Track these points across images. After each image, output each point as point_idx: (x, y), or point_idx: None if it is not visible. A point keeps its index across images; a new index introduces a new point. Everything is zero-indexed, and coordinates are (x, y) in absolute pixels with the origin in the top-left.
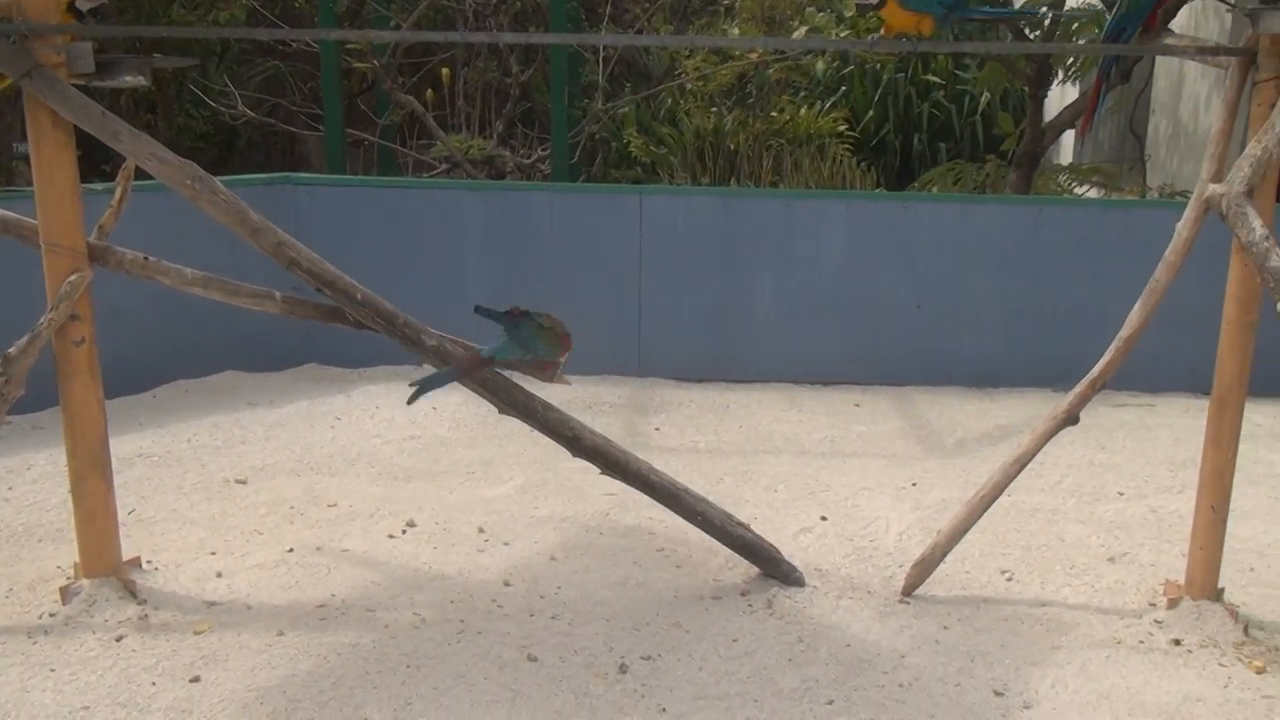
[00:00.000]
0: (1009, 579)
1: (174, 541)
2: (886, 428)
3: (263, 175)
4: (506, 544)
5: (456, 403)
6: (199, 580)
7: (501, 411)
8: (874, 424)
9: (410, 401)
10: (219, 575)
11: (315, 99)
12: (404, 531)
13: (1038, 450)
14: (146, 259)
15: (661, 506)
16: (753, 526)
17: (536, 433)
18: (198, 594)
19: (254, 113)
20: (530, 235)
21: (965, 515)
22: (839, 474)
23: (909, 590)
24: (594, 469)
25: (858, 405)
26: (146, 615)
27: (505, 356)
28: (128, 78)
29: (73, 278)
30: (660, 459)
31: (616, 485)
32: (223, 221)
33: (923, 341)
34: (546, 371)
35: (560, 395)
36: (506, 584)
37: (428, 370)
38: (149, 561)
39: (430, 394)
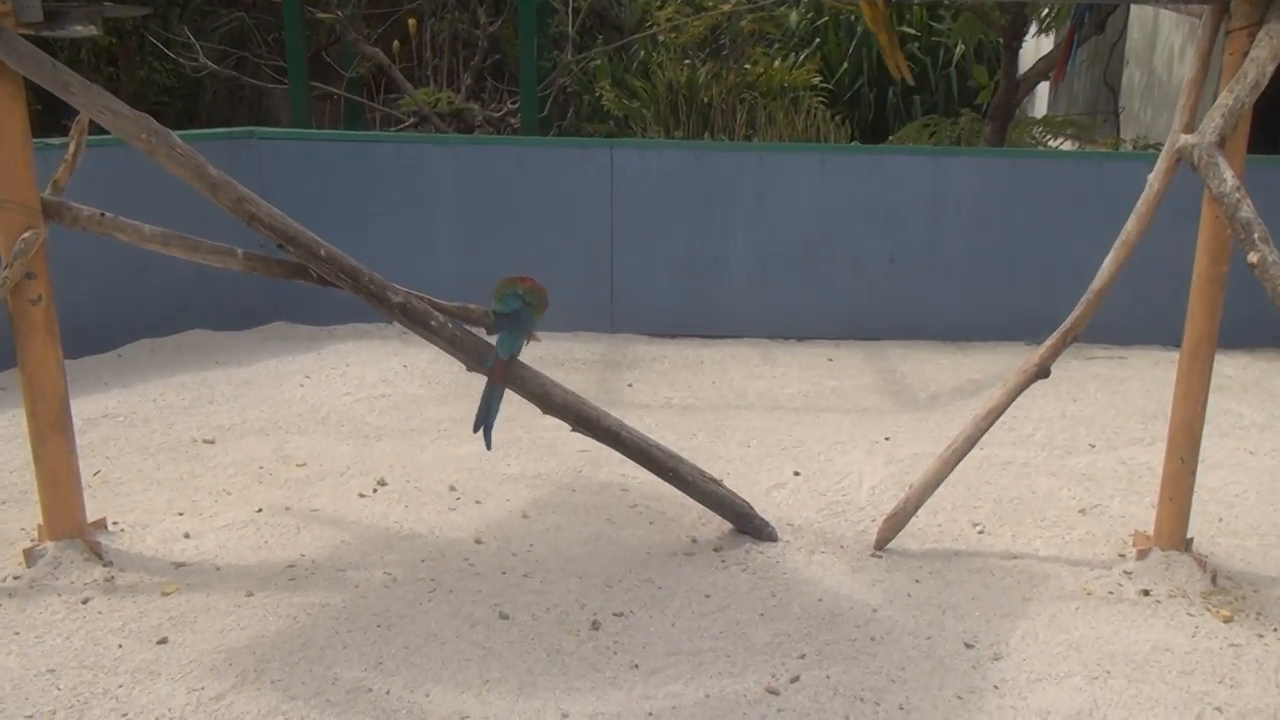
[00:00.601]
0: (980, 532)
1: (140, 503)
2: (859, 382)
3: (225, 130)
4: (478, 502)
5: (427, 360)
6: (166, 541)
7: (470, 369)
8: (847, 379)
9: (489, 446)
10: (186, 536)
11: (281, 52)
12: (375, 490)
13: (1009, 403)
14: (103, 215)
15: (634, 463)
16: (726, 482)
17: (507, 390)
18: (165, 555)
19: (218, 66)
20: (500, 190)
21: (937, 469)
22: (812, 429)
23: (881, 544)
24: (565, 426)
25: (831, 360)
26: (113, 577)
27: (516, 345)
28: (78, 27)
29: (26, 235)
30: (633, 415)
31: (589, 442)
32: (180, 176)
33: (896, 295)
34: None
35: (532, 352)
36: (478, 542)
37: (399, 330)
38: (115, 523)
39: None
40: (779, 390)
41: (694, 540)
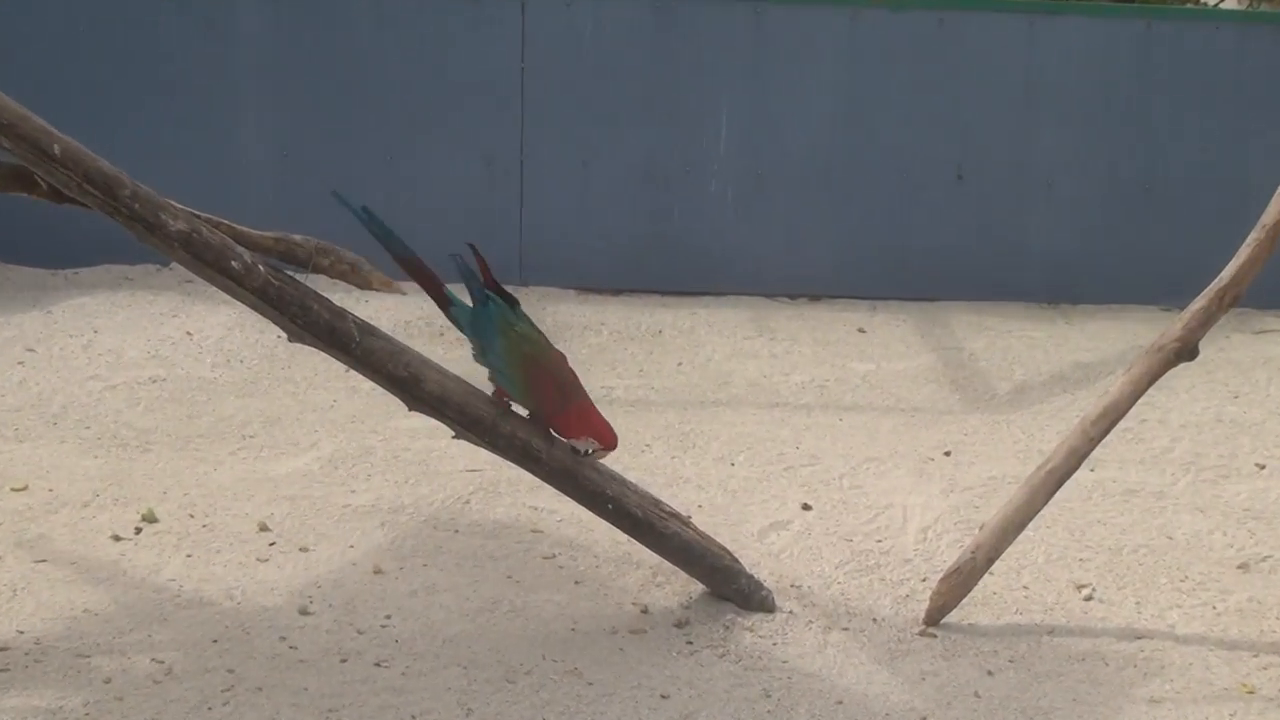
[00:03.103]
0: (1088, 598)
1: None
2: (906, 366)
3: None
4: (304, 549)
5: (222, 325)
6: None
7: (294, 339)
8: (887, 360)
9: None
10: None
11: None
12: (138, 530)
13: (1135, 400)
14: None
15: (551, 489)
16: (695, 520)
17: (352, 373)
18: None
19: None
20: (341, 60)
21: (1023, 502)
22: (831, 438)
23: (935, 618)
24: (444, 430)
25: (862, 331)
26: None
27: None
28: None
29: None
30: None
31: (481, 456)
32: None
33: (965, 233)
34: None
35: (397, 314)
36: (304, 612)
37: (180, 277)
38: None
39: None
40: (781, 377)
41: (644, 610)
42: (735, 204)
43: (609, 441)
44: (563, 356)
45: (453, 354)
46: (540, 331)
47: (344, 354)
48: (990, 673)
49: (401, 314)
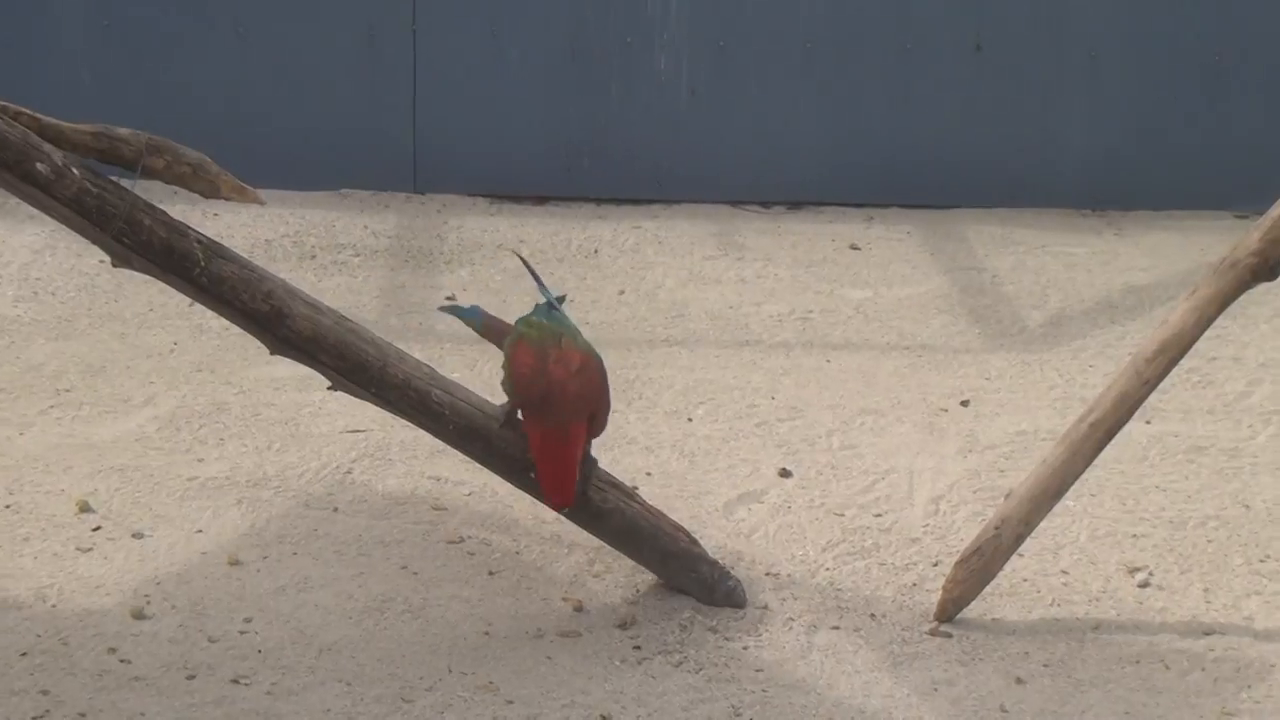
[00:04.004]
0: (1144, 585)
1: None
2: (911, 292)
3: None
4: (139, 536)
5: (27, 249)
6: None
7: (120, 264)
8: (886, 285)
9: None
10: None
11: None
12: None
13: (1201, 332)
14: None
15: (455, 453)
16: (642, 492)
17: (198, 308)
18: None
19: None
20: None
21: (1061, 464)
22: (816, 385)
23: (950, 612)
24: (318, 379)
25: (855, 248)
26: None
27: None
28: None
29: None
30: (456, 356)
31: (367, 413)
32: None
33: (985, 120)
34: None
35: (248, 229)
36: (140, 616)
37: None
38: None
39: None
40: (751, 309)
41: (579, 608)
42: (690, 85)
43: (550, 498)
44: (591, 362)
45: (328, 282)
46: (569, 326)
47: (186, 282)
48: (1020, 681)
49: (261, 230)
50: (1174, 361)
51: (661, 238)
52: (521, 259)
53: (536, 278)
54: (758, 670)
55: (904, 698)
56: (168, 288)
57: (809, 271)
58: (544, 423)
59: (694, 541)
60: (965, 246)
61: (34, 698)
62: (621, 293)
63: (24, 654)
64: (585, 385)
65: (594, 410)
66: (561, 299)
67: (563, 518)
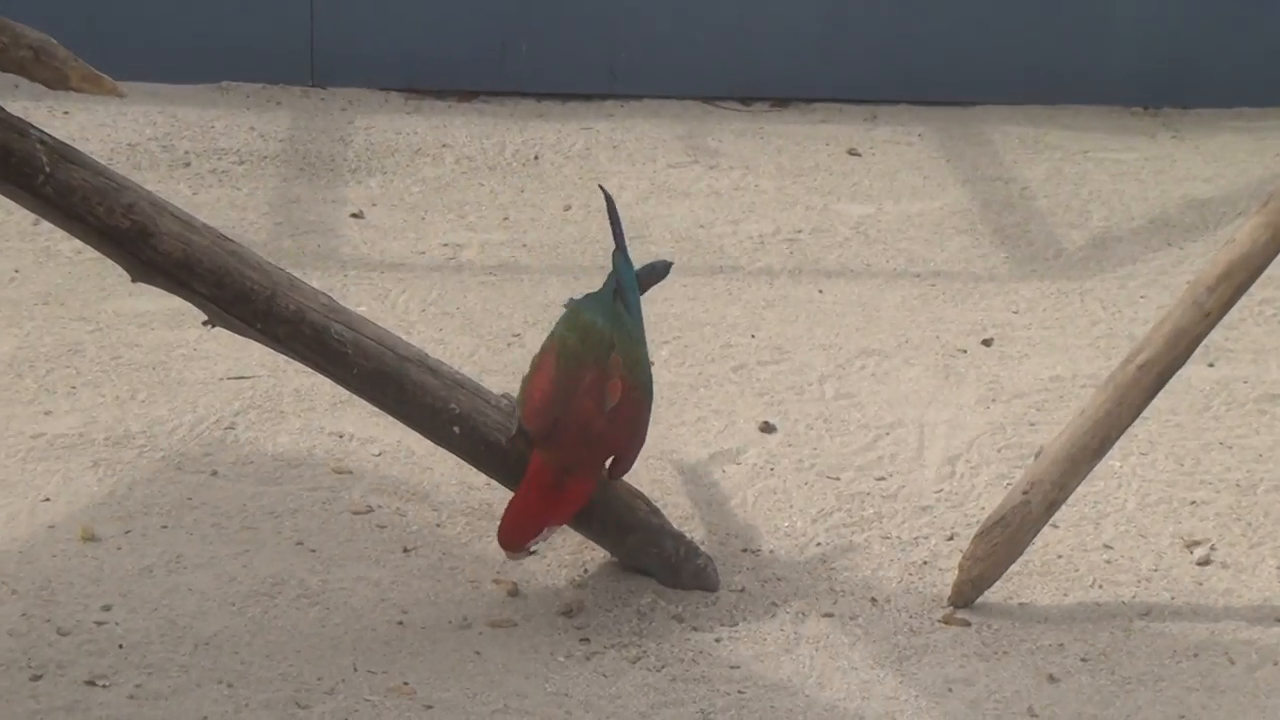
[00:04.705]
0: (1204, 561)
1: None
2: (923, 208)
3: None
4: None
5: None
6: None
7: None
8: (893, 199)
9: None
10: None
11: None
12: None
13: (1275, 254)
14: None
15: (362, 404)
16: None
17: (44, 226)
18: None
19: None
20: None
21: (1104, 415)
22: (807, 321)
23: (968, 596)
24: (192, 313)
25: (855, 153)
26: None
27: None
28: None
29: None
30: (363, 285)
31: (252, 355)
32: None
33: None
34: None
35: (107, 131)
36: None
37: None
38: None
39: None
40: (728, 228)
41: (513, 592)
42: None
43: (500, 530)
44: (634, 396)
45: (205, 195)
46: (628, 328)
47: (27, 194)
48: (1053, 679)
49: (122, 132)
50: (1241, 289)
51: (617, 141)
52: (607, 198)
53: (618, 232)
54: (733, 667)
55: (911, 700)
56: (6, 202)
57: (798, 183)
58: (547, 459)
59: (655, 511)
60: (989, 152)
61: None
62: (567, 208)
63: None
64: (615, 427)
65: (620, 454)
66: (664, 267)
67: (494, 483)
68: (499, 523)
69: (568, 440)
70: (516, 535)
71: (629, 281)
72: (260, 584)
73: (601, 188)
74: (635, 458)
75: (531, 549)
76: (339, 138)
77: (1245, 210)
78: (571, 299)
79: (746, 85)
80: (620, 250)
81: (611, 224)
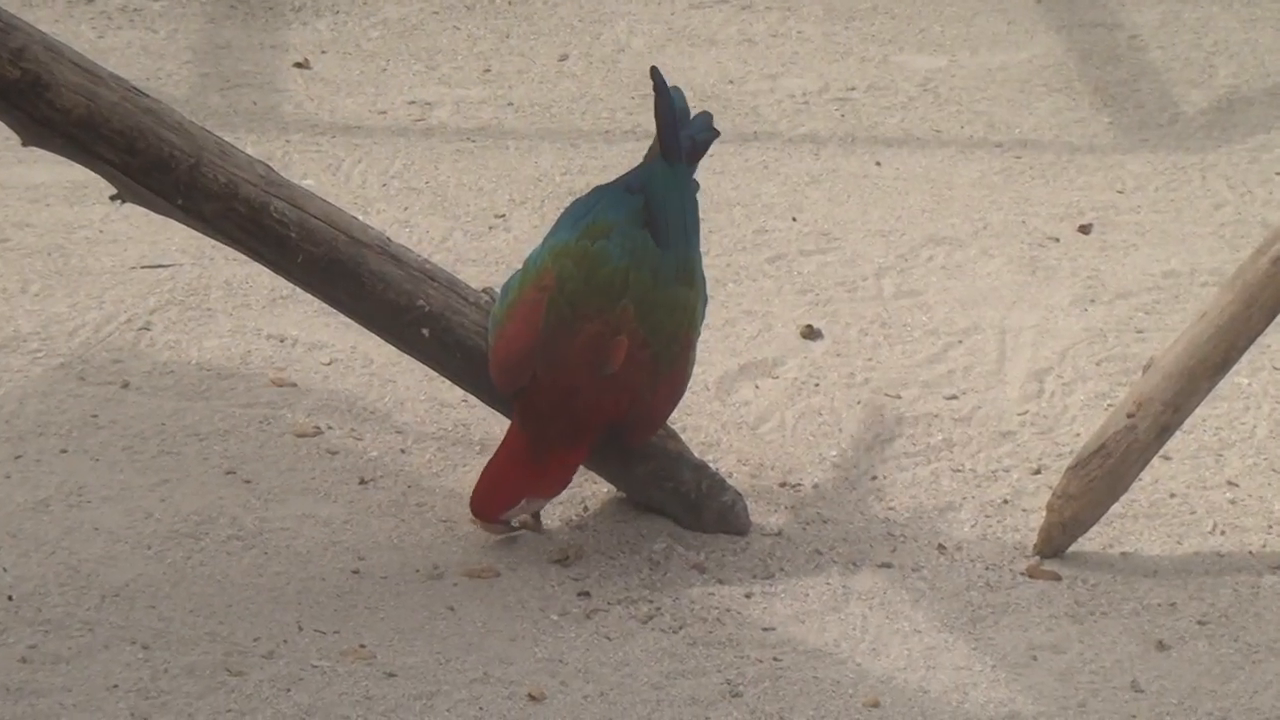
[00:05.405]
0: None
1: None
2: (1006, 60)
3: None
4: None
5: None
6: None
7: None
8: (969, 48)
9: None
10: None
11: None
12: None
13: None
14: None
15: (307, 299)
16: None
17: None
18: None
19: None
20: None
21: (1228, 322)
22: (860, 200)
23: (1059, 543)
24: (98, 185)
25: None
26: None
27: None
28: None
29: None
30: (309, 152)
31: (172, 238)
32: None
33: None
34: None
35: None
36: None
37: None
38: None
39: None
40: (763, 84)
41: (508, 536)
42: None
43: (473, 497)
44: (640, 358)
45: (115, 38)
46: (644, 279)
47: None
48: (1163, 645)
49: None
50: None
51: None
52: (658, 83)
53: (671, 137)
54: (766, 629)
55: (987, 671)
56: None
57: (850, 28)
58: (523, 423)
59: (671, 435)
60: None
61: None
62: (564, 58)
63: None
64: (611, 395)
65: (624, 419)
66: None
67: (471, 399)
68: (473, 494)
69: (544, 407)
70: (488, 504)
71: (673, 199)
72: (183, 522)
73: (654, 71)
74: (662, 421)
75: (511, 523)
76: None
77: None
78: (578, 201)
79: None
80: (669, 153)
81: (660, 124)
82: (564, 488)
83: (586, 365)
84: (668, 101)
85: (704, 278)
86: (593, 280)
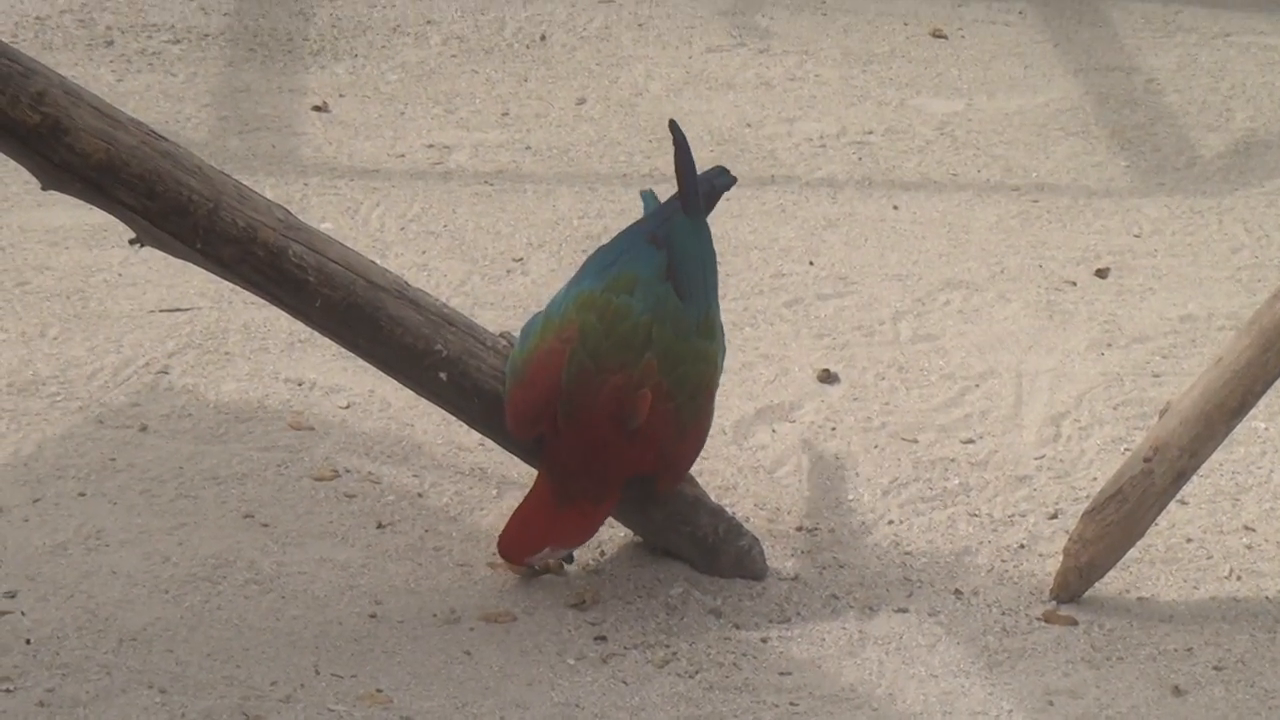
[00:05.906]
0: None
1: None
2: (1024, 104)
3: None
4: None
5: None
6: None
7: None
8: (987, 92)
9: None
10: None
11: None
12: None
13: None
14: None
15: (325, 343)
16: None
17: None
18: None
19: None
20: None
21: (1245, 365)
22: (878, 244)
23: (1075, 588)
24: (117, 229)
25: (940, 36)
26: None
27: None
28: None
29: None
30: (328, 196)
31: (191, 281)
32: None
33: None
34: None
35: (10, 6)
36: None
37: None
38: None
39: None
40: (781, 127)
41: (527, 577)
42: None
43: (500, 540)
44: (664, 410)
45: (133, 82)
46: (666, 332)
47: None
48: (1179, 691)
49: (29, 3)
50: None
51: (643, 18)
52: (677, 138)
53: (690, 186)
54: (783, 674)
55: (1003, 716)
56: None
57: (868, 72)
58: (548, 473)
59: (690, 479)
60: (1106, 34)
61: None
62: (581, 102)
63: None
64: (637, 448)
65: (657, 469)
66: (725, 179)
67: (488, 442)
68: (500, 539)
69: (569, 460)
70: (514, 549)
71: (694, 253)
72: (200, 566)
73: (673, 124)
74: (689, 467)
75: (535, 566)
76: (298, 11)
77: None
78: (602, 248)
79: None
80: (691, 208)
81: (680, 175)
82: (590, 537)
83: (611, 419)
84: (688, 155)
85: (723, 327)
86: (615, 334)
